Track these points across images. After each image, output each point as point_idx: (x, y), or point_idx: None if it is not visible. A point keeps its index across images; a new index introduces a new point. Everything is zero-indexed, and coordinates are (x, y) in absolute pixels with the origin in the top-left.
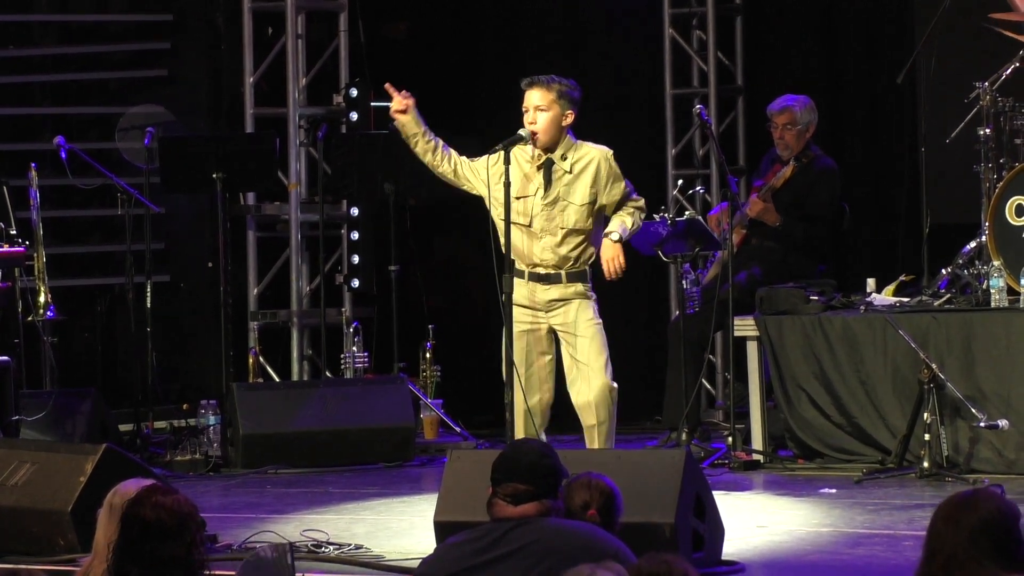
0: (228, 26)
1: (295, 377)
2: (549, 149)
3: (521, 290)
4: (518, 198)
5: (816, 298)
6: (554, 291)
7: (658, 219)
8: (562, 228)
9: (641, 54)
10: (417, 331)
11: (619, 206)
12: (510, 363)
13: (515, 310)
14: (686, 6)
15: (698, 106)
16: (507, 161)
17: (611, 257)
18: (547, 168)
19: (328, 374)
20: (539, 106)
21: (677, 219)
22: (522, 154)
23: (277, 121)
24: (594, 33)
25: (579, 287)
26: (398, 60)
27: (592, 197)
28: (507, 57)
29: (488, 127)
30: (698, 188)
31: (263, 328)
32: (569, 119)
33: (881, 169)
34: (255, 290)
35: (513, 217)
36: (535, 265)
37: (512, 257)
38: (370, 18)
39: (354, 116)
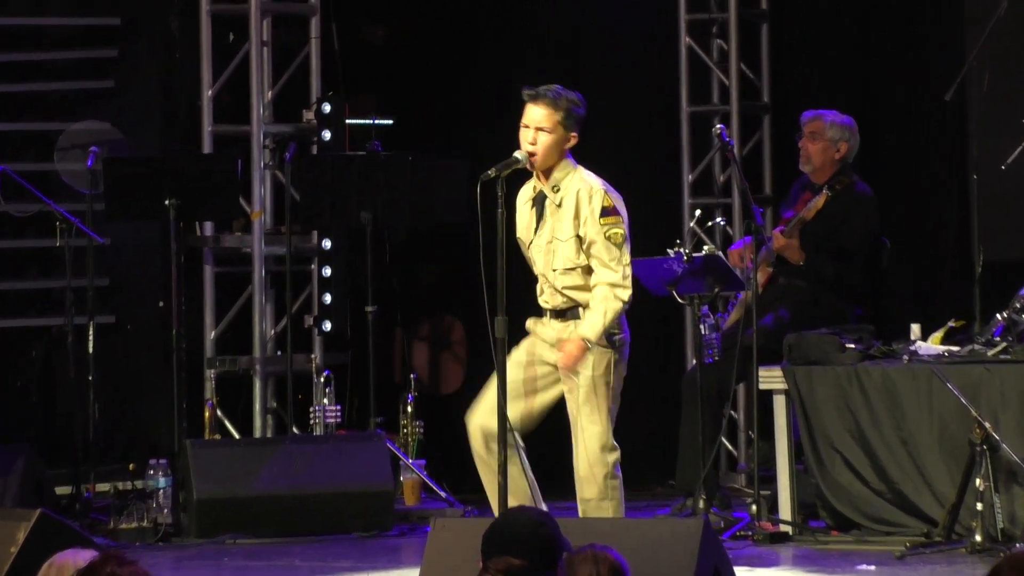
0: (184, 31)
1: (257, 433)
2: (544, 174)
3: (544, 329)
4: (530, 244)
5: (852, 346)
6: (570, 328)
7: (672, 255)
8: (554, 269)
9: (653, 65)
10: (397, 381)
11: (597, 272)
12: (503, 417)
13: (538, 345)
14: (705, 11)
15: (718, 125)
16: (503, 188)
17: (569, 354)
18: (540, 204)
19: (295, 430)
20: (542, 126)
21: (694, 255)
22: (523, 193)
23: (239, 140)
24: (598, 42)
25: None
26: (377, 71)
27: (575, 229)
28: (501, 67)
29: (479, 147)
30: (718, 219)
31: (221, 377)
32: (572, 142)
33: (926, 199)
34: (212, 333)
35: (528, 262)
36: (551, 305)
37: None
38: (345, 23)
39: (327, 135)
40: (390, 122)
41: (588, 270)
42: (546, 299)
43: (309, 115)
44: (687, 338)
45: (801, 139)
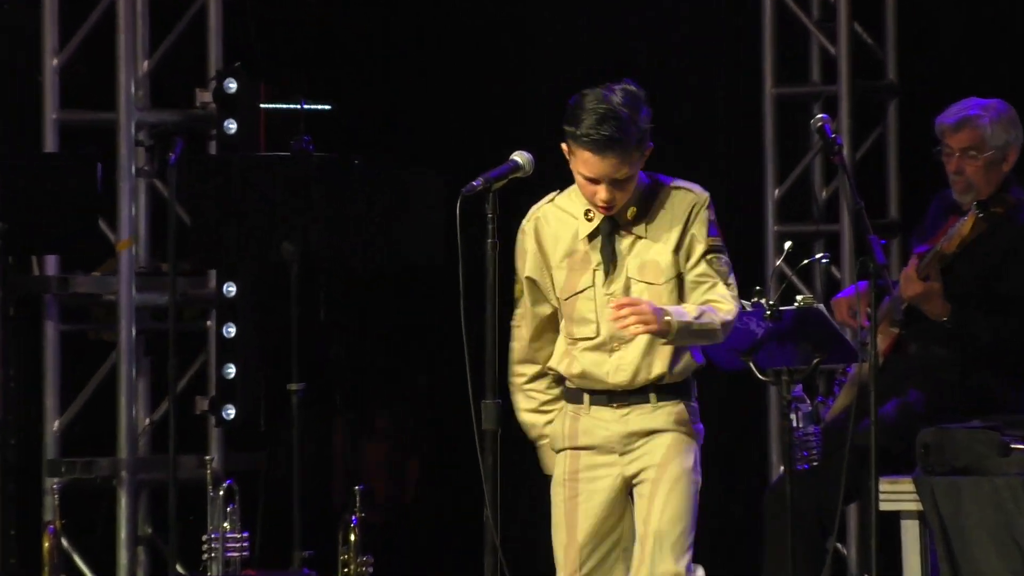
0: None
1: (123, 574)
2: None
3: (582, 423)
4: (570, 296)
5: (1020, 447)
6: (636, 418)
7: (750, 308)
8: None
9: (723, 30)
10: (334, 495)
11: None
12: (493, 551)
13: (571, 459)
14: None
15: (820, 116)
16: (495, 208)
17: (638, 318)
18: (607, 235)
19: (180, 569)
20: (617, 177)
21: (782, 308)
22: (561, 211)
23: (99, 133)
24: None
25: (677, 410)
26: (308, 36)
27: (676, 268)
28: (495, 39)
29: (461, 150)
30: (819, 256)
31: (69, 488)
32: (646, 156)
33: None
34: (56, 423)
35: (570, 327)
36: (602, 384)
37: (555, 369)
38: None
39: (232, 126)
40: (326, 107)
41: None
42: (606, 376)
43: (205, 97)
44: (771, 434)
45: (950, 157)
